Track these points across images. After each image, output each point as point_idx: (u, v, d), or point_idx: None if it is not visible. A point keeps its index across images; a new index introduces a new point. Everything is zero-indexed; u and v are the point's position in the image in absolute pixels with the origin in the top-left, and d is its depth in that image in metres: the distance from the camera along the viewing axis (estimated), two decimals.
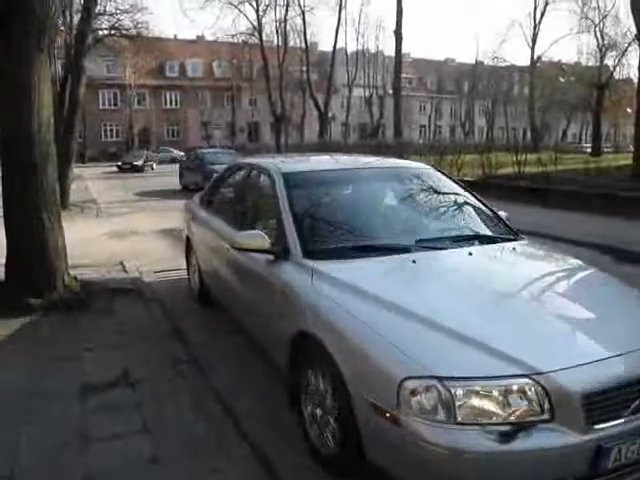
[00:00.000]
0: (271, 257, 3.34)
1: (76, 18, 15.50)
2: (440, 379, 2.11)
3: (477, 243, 3.45)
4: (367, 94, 50.16)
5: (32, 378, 3.84)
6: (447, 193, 3.97)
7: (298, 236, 3.26)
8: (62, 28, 16.63)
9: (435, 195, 3.92)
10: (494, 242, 3.55)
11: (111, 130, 50.19)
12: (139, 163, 34.10)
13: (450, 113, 64.69)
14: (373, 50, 50.86)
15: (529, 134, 43.44)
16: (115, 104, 49.52)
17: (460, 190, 4.08)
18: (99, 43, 17.88)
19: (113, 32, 18.81)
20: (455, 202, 3.91)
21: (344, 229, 3.46)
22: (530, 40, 41.20)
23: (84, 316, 5.16)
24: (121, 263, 7.36)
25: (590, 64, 38.83)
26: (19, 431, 3.12)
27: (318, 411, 2.73)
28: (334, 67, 37.79)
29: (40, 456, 2.89)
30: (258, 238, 3.34)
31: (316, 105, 36.83)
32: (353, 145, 28.38)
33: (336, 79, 43.21)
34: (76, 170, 16.75)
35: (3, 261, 5.57)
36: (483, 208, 3.95)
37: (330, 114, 39.76)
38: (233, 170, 5.24)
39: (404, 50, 29.77)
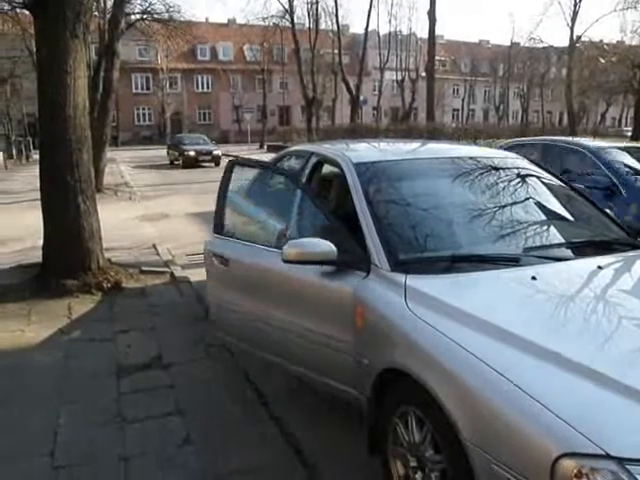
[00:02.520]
0: (329, 269, 2.70)
1: (109, 3, 15.62)
2: (620, 461, 1.48)
3: (594, 250, 2.82)
4: (399, 77, 49.40)
5: (68, 359, 3.93)
6: (546, 187, 3.34)
7: (382, 242, 2.58)
8: (96, 13, 16.77)
9: (533, 190, 3.25)
10: (614, 249, 2.87)
11: (144, 114, 50.66)
12: (219, 152, 23.39)
13: (484, 96, 63.33)
14: (406, 32, 49.88)
15: (565, 118, 42.26)
16: (147, 88, 49.88)
17: (559, 183, 3.44)
18: (131, 27, 17.92)
19: (145, 16, 18.80)
20: (557, 198, 3.30)
21: (436, 233, 2.79)
22: (570, 19, 39.81)
23: (118, 298, 5.25)
24: (154, 246, 7.46)
25: (634, 43, 37.29)
26: (57, 411, 3.19)
27: (412, 463, 2.17)
28: (366, 50, 37.26)
29: (78, 436, 2.96)
30: (322, 246, 2.61)
31: (347, 88, 36.43)
32: (385, 129, 28.06)
33: (368, 62, 42.66)
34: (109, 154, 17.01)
35: (41, 243, 5.70)
36: (590, 205, 3.32)
37: (362, 97, 39.32)
38: (286, 159, 4.42)
39: (437, 32, 29.09)
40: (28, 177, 15.62)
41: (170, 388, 3.48)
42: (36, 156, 8.20)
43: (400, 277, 2.42)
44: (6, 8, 18.24)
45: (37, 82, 5.48)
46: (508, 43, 54.78)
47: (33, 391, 3.46)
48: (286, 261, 2.68)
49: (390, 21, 70.84)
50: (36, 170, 5.78)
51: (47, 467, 2.69)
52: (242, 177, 3.98)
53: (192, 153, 22.72)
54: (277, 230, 3.52)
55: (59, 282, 5.28)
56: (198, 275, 6.12)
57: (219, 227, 3.62)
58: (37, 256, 5.88)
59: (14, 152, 25.31)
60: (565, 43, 40.58)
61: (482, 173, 3.28)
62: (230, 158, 4.00)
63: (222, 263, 3.46)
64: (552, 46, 43.84)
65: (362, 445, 2.49)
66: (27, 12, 6.58)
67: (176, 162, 24.16)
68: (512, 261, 2.54)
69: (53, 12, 5.19)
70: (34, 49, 6.71)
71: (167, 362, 3.86)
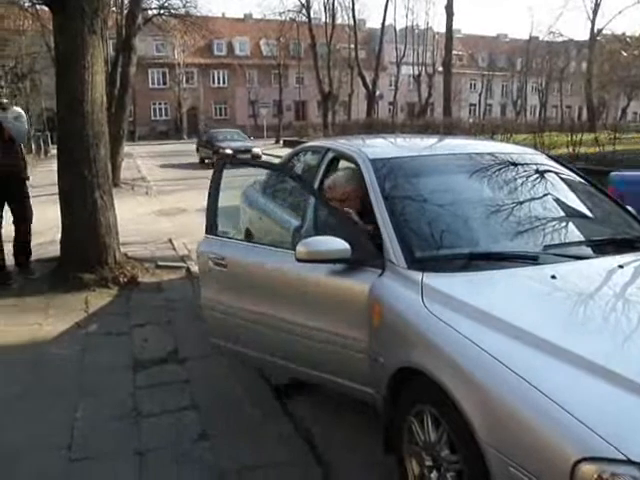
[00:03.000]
0: (342, 267, 2.63)
1: None
2: None
3: (615, 248, 2.75)
4: (416, 72, 49.07)
5: (85, 352, 3.96)
6: (566, 183, 3.26)
7: (399, 239, 2.55)
8: (113, 8, 16.89)
9: (552, 186, 3.17)
10: (636, 247, 2.78)
11: (160, 109, 50.91)
12: (258, 150, 21.85)
13: (502, 91, 62.68)
14: (423, 26, 49.52)
15: (584, 113, 41.65)
16: (164, 83, 50.09)
17: (580, 180, 3.35)
18: (148, 22, 18.03)
19: (162, 11, 18.96)
20: (577, 195, 3.21)
21: (453, 230, 2.74)
22: (591, 12, 39.11)
23: (134, 292, 5.29)
24: (170, 241, 7.49)
25: None
26: (75, 405, 3.22)
27: (428, 462, 2.14)
28: (382, 44, 37.07)
29: (95, 429, 2.98)
30: (336, 244, 2.56)
31: (364, 83, 36.25)
32: (401, 124, 27.84)
33: (384, 57, 42.43)
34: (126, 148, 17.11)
35: (59, 237, 5.76)
36: (611, 202, 3.24)
37: (378, 92, 39.10)
38: (302, 155, 4.34)
39: (455, 26, 28.74)
40: (46, 172, 15.78)
41: (186, 383, 3.50)
42: (54, 151, 8.27)
43: (416, 275, 2.38)
44: (26, 4, 18.51)
45: (55, 78, 5.52)
46: (527, 37, 54.20)
47: (51, 384, 3.49)
48: (299, 260, 2.62)
49: (407, 15, 70.82)
50: (54, 165, 5.83)
51: (64, 460, 2.72)
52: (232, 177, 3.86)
53: (229, 151, 20.00)
54: (286, 229, 3.44)
55: (76, 276, 5.34)
56: None
57: (213, 227, 3.43)
58: (55, 250, 5.95)
59: (33, 147, 25.59)
60: (585, 37, 39.96)
61: (500, 169, 3.21)
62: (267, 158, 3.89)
63: (219, 265, 3.27)
64: (572, 40, 43.16)
65: (377, 443, 2.47)
66: (46, 8, 6.63)
67: (208, 161, 21.49)
68: (531, 259, 2.49)
69: (72, 8, 5.23)
70: (53, 45, 6.76)
71: (183, 357, 3.88)
